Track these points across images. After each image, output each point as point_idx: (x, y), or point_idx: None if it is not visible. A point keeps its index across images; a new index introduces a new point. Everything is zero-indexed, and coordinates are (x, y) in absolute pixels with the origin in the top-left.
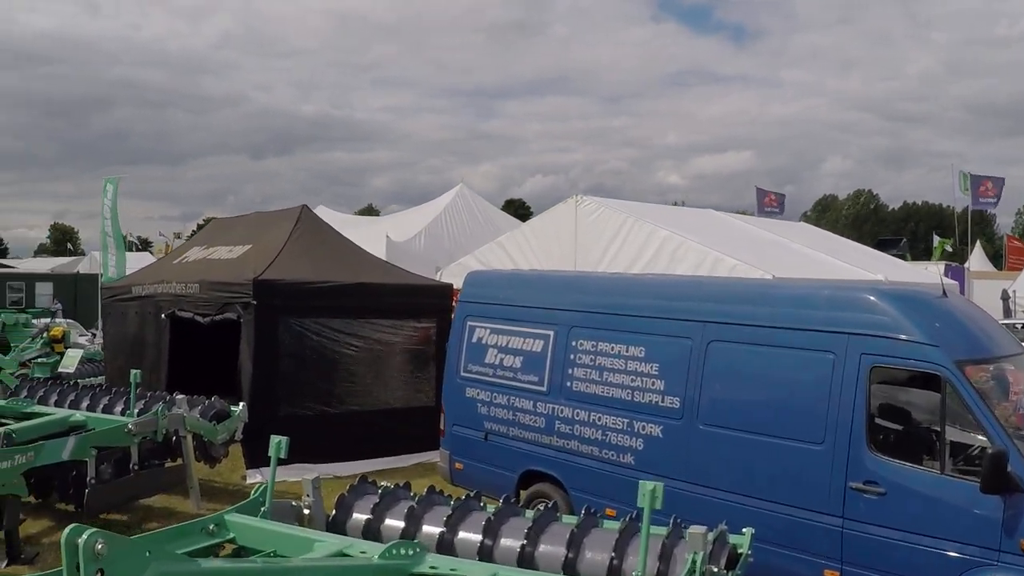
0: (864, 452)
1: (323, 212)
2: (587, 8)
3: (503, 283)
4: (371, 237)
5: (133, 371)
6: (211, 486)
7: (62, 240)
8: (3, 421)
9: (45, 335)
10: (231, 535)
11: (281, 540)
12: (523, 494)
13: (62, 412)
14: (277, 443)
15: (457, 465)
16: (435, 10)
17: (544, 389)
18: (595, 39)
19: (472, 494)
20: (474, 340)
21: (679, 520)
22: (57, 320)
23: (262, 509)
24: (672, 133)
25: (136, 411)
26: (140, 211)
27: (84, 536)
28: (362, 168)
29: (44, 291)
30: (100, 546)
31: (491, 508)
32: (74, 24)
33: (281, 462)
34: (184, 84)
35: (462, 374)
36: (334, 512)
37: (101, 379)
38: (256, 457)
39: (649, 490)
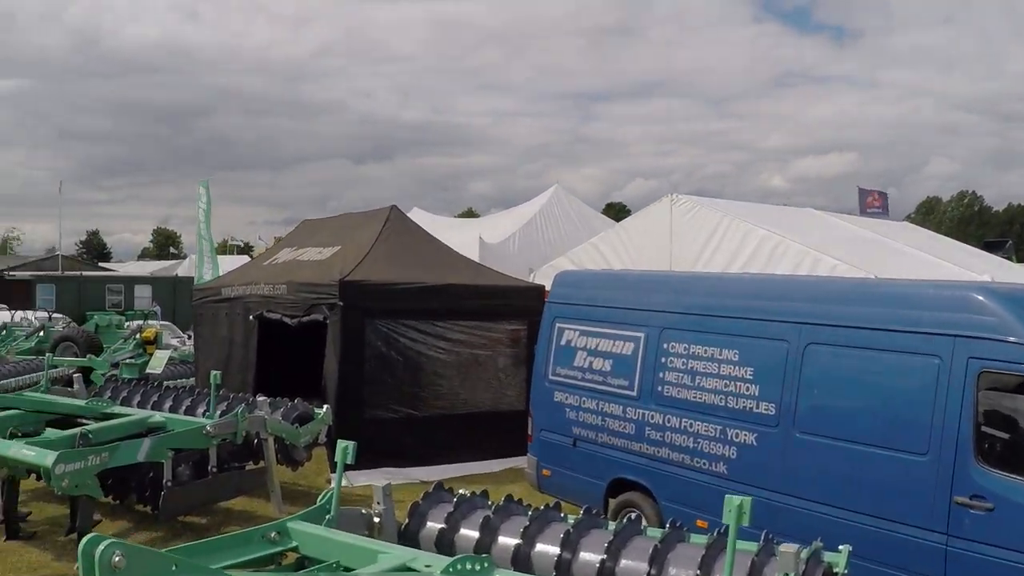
0: (970, 464)
1: (418, 214)
2: (689, 10)
3: (593, 283)
4: (465, 239)
5: (213, 372)
6: (295, 490)
7: (164, 244)
8: (83, 421)
9: (138, 336)
10: (294, 543)
11: (345, 550)
12: (612, 503)
13: (141, 413)
14: (344, 448)
15: (544, 472)
16: (536, 15)
17: (634, 394)
18: (697, 41)
19: (551, 504)
20: (563, 342)
21: (771, 536)
22: (150, 322)
23: (327, 516)
24: (775, 135)
25: (218, 413)
26: (243, 216)
27: (101, 547)
28: (462, 173)
29: (143, 294)
30: (118, 558)
31: (572, 519)
32: (177, 33)
33: (366, 465)
34: (286, 91)
35: (550, 377)
36: (407, 521)
37: (192, 380)
38: None
39: (736, 505)
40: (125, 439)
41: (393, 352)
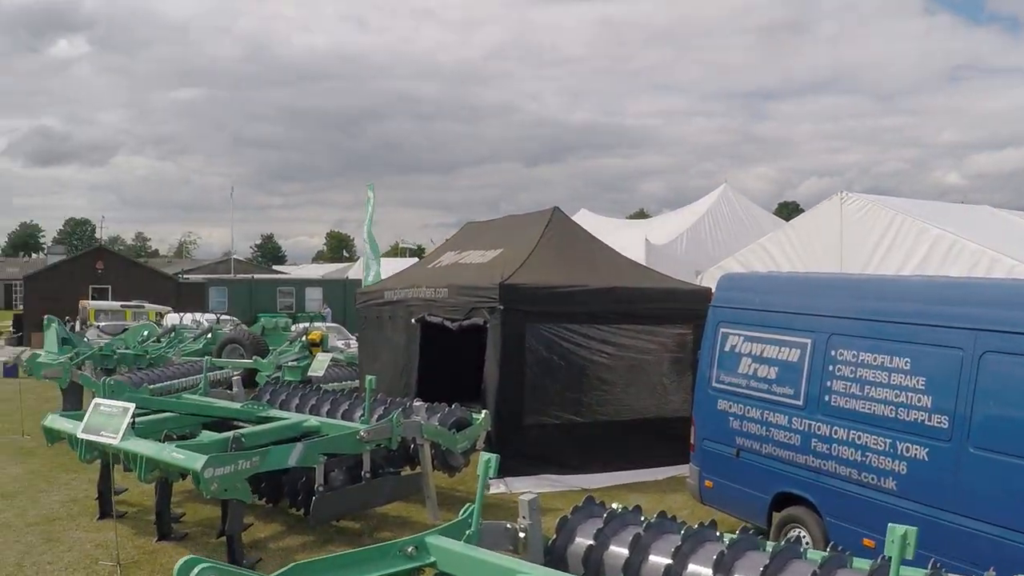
0: None
1: (584, 216)
2: (858, 3)
3: (758, 286)
4: (631, 240)
5: (368, 377)
6: (453, 495)
7: (338, 247)
8: (239, 424)
9: (303, 339)
10: (432, 559)
11: (483, 568)
12: (776, 517)
13: (296, 417)
14: (486, 461)
15: (707, 483)
16: (705, 12)
17: (800, 403)
18: (866, 35)
19: (707, 522)
20: (727, 348)
21: (939, 564)
22: (317, 324)
23: (468, 532)
24: (949, 130)
25: (374, 418)
26: (416, 219)
27: (196, 570)
28: (633, 174)
29: (314, 296)
30: None
31: (728, 538)
32: (346, 41)
33: (527, 471)
34: (456, 94)
35: (713, 385)
36: (554, 536)
37: (355, 383)
38: (501, 466)
39: (899, 535)
40: (279, 443)
41: (555, 356)
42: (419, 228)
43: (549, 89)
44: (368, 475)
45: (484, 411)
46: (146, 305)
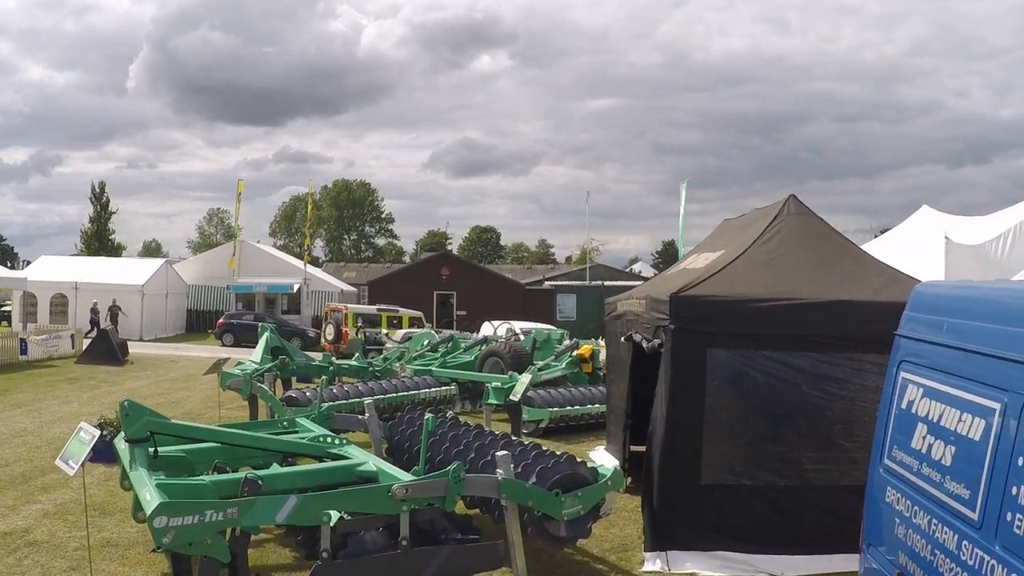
0: None
1: (924, 213)
2: None
3: (950, 304)
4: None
5: (427, 416)
6: (590, 568)
7: None
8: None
9: (572, 354)
10: None
11: None
12: None
13: (359, 458)
14: None
15: None
16: None
17: (974, 516)
18: None
19: None
20: (903, 405)
21: None
22: (592, 339)
23: None
24: None
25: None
26: (839, 225)
27: None
28: None
29: None
30: None
31: None
32: (766, 43)
33: (699, 545)
34: (878, 94)
35: (884, 462)
36: None
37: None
38: (663, 536)
39: None
40: (324, 488)
41: (747, 395)
42: None
43: (974, 85)
44: (405, 543)
45: (614, 465)
46: (400, 310)
